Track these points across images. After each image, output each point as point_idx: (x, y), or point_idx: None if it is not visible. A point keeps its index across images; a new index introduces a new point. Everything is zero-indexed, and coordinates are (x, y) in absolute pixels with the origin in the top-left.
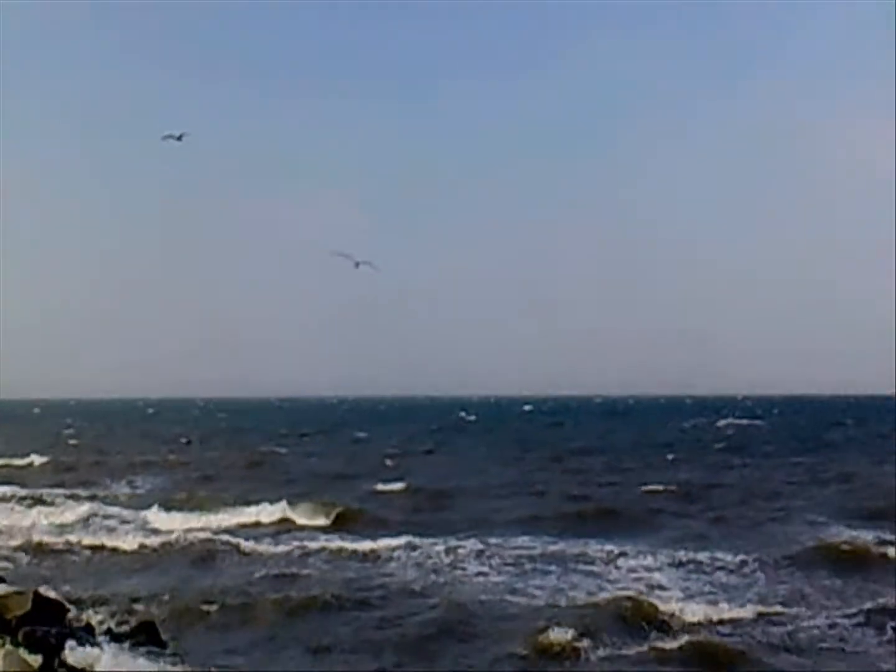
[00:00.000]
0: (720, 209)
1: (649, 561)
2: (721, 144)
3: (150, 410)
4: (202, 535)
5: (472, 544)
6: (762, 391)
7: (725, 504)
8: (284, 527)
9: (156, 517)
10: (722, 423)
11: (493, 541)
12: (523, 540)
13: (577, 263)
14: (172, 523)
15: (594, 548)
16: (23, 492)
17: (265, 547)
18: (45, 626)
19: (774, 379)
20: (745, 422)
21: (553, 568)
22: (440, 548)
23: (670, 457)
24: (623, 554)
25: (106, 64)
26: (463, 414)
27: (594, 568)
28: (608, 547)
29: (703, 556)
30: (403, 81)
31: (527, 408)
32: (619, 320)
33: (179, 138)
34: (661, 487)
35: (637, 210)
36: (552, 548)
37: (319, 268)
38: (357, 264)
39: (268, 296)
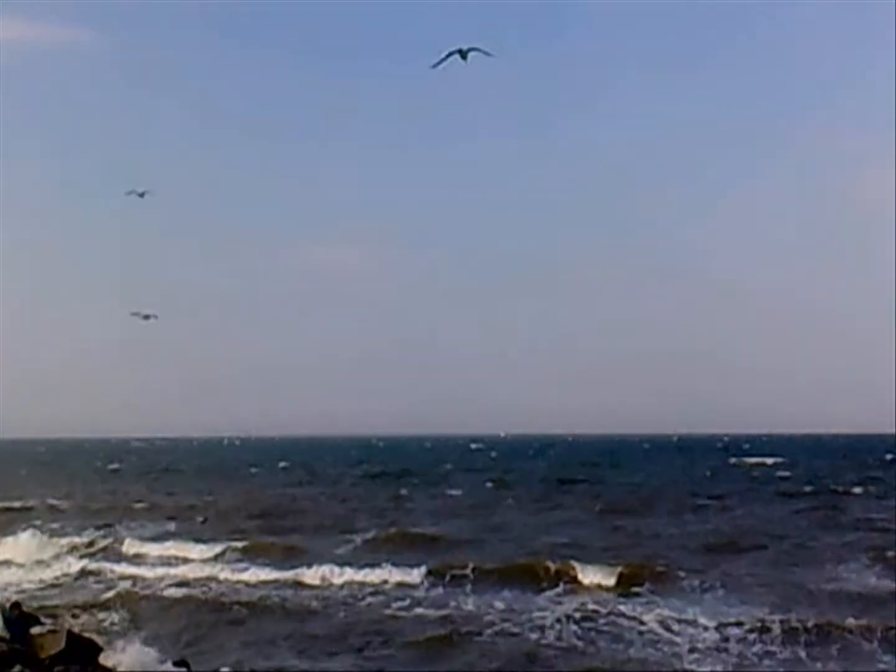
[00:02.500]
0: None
1: None
2: None
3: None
4: None
5: None
6: (757, 430)
7: None
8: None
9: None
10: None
11: None
12: None
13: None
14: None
15: None
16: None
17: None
18: (77, 665)
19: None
20: (769, 460)
21: None
22: None
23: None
24: None
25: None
26: (494, 454)
27: None
28: None
29: None
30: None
31: (474, 446)
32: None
33: (142, 195)
34: None
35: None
36: None
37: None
38: (146, 317)
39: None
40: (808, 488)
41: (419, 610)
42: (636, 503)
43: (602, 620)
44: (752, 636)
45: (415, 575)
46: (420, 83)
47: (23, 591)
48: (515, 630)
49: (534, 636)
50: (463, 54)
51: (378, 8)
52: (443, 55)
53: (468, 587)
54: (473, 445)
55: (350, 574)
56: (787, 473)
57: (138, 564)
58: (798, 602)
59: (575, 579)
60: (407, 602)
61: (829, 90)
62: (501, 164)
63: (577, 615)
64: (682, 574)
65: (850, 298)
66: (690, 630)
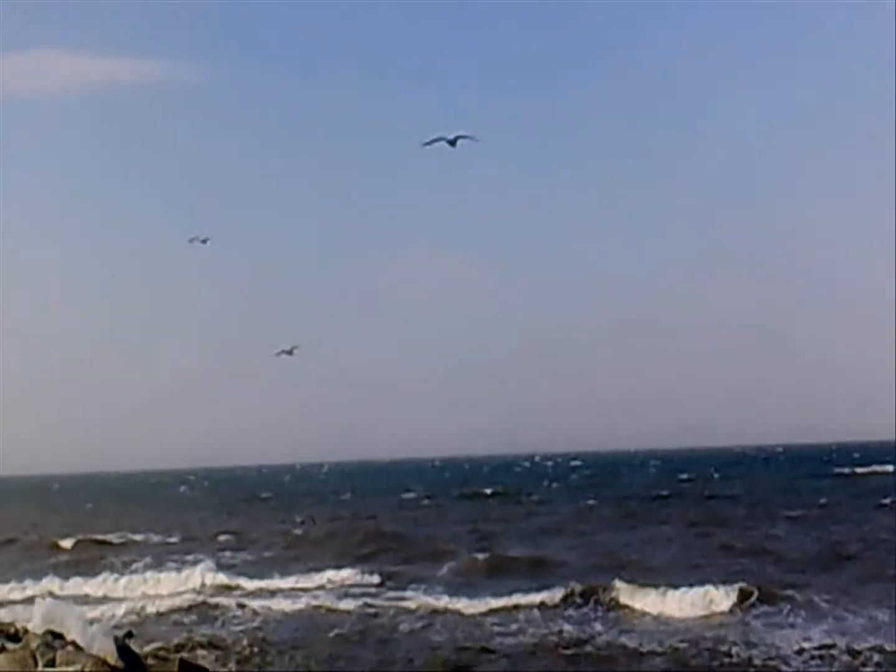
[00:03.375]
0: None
1: None
2: None
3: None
4: None
5: None
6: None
7: None
8: None
9: None
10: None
11: None
12: None
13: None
14: None
15: None
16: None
17: None
18: None
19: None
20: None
21: None
22: None
23: None
24: None
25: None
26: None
27: None
28: None
29: None
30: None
31: (574, 463)
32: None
33: (205, 241)
34: None
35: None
36: None
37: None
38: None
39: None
40: None
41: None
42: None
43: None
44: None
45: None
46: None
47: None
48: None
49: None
50: (450, 142)
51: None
52: (432, 138)
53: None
54: (573, 463)
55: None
56: None
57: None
58: None
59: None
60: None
61: None
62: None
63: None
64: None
65: None
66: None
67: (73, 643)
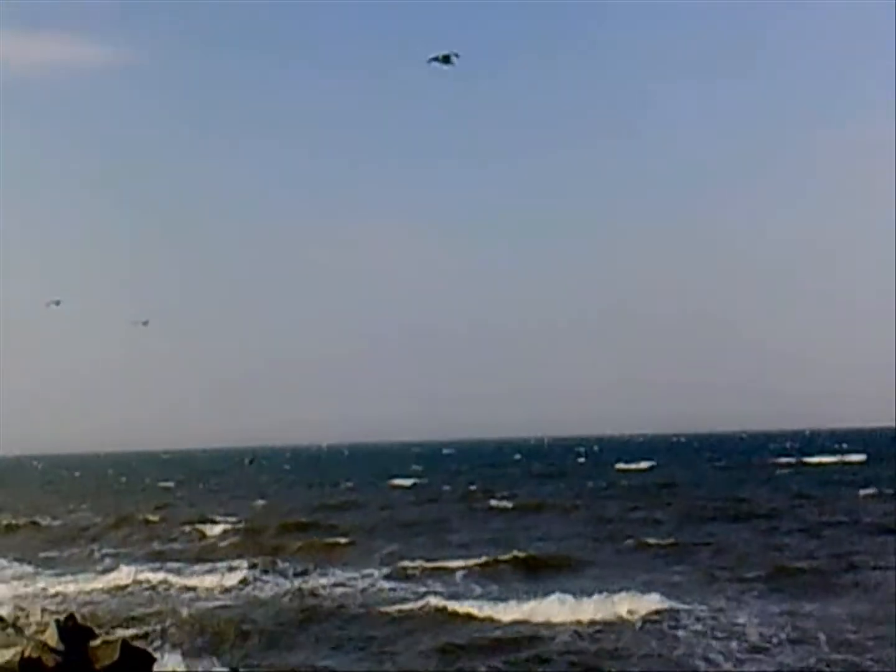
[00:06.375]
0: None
1: None
2: None
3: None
4: None
5: None
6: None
7: None
8: None
9: None
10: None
11: None
12: None
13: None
14: None
15: None
16: None
17: None
18: None
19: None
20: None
21: None
22: None
23: None
24: None
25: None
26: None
27: None
28: None
29: None
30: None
31: (580, 450)
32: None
33: (146, 324)
34: None
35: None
36: None
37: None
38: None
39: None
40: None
41: None
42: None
43: None
44: None
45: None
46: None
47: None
48: None
49: None
50: (444, 60)
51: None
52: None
53: None
54: (580, 450)
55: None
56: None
57: None
58: None
59: None
60: None
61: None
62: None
63: None
64: None
65: None
66: None
67: (14, 625)
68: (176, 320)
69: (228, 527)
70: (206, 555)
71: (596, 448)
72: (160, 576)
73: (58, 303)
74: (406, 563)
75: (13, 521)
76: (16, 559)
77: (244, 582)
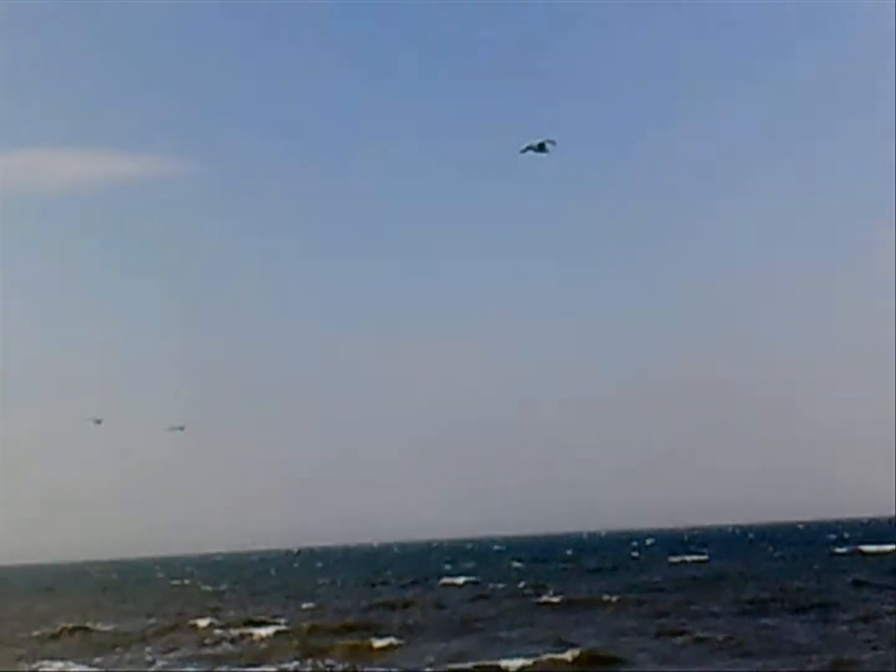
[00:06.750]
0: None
1: None
2: None
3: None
4: None
5: None
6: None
7: None
8: None
9: None
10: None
11: None
12: None
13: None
14: None
15: None
16: None
17: None
18: None
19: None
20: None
21: None
22: None
23: None
24: None
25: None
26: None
27: None
28: None
29: None
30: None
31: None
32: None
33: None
34: None
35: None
36: None
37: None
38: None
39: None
40: None
41: None
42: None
43: None
44: None
45: None
46: None
47: None
48: None
49: None
50: (539, 148)
51: None
52: (525, 147)
53: None
54: (633, 543)
55: None
56: None
57: None
58: None
59: None
60: None
61: None
62: None
63: None
64: None
65: None
66: None
67: None
68: (223, 420)
69: (278, 629)
70: (256, 658)
71: (649, 541)
72: None
73: (99, 421)
74: (458, 665)
75: (66, 626)
76: (71, 661)
77: None
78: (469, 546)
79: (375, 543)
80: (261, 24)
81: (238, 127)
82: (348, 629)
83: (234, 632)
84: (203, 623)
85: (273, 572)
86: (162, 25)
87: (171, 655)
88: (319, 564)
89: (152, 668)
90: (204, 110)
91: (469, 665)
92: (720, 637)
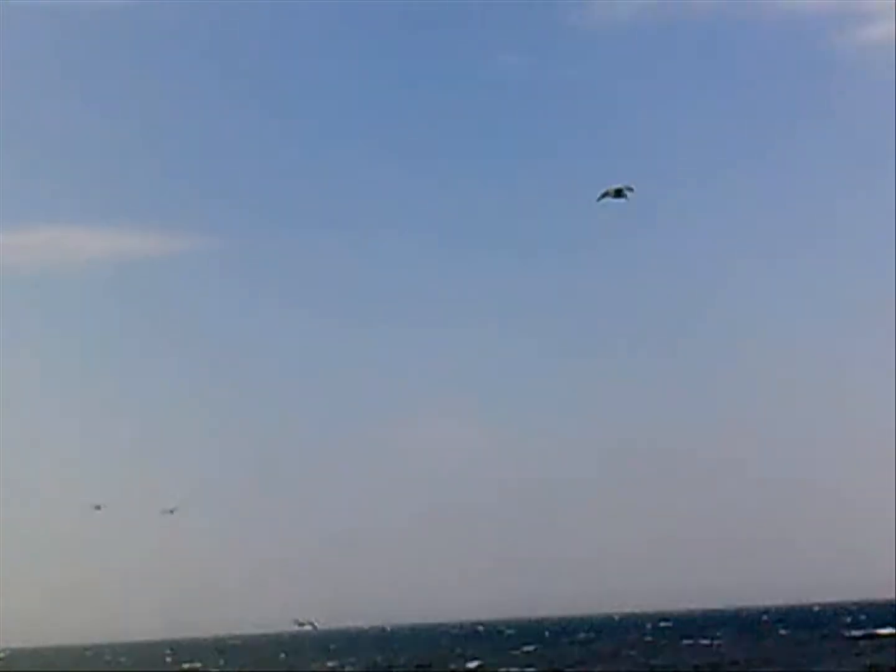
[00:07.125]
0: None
1: None
2: None
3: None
4: None
5: None
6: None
7: None
8: None
9: None
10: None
11: None
12: None
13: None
14: None
15: None
16: None
17: None
18: None
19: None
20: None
21: None
22: None
23: None
24: None
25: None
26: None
27: None
28: None
29: None
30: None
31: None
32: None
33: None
34: None
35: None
36: None
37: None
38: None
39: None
40: None
41: None
42: None
43: None
44: None
45: None
46: None
47: None
48: None
49: None
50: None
51: None
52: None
53: None
54: (663, 623)
55: None
56: None
57: None
58: None
59: None
60: None
61: None
62: None
63: None
64: None
65: None
66: None
67: None
68: (212, 504)
69: None
70: None
71: (663, 624)
72: None
73: (98, 507)
74: None
75: None
76: None
77: None
78: (480, 629)
79: (388, 627)
80: (262, 101)
81: (246, 206)
82: None
83: None
84: None
85: (283, 655)
86: (170, 101)
87: None
88: (333, 646)
89: None
90: (215, 186)
91: None
92: None
